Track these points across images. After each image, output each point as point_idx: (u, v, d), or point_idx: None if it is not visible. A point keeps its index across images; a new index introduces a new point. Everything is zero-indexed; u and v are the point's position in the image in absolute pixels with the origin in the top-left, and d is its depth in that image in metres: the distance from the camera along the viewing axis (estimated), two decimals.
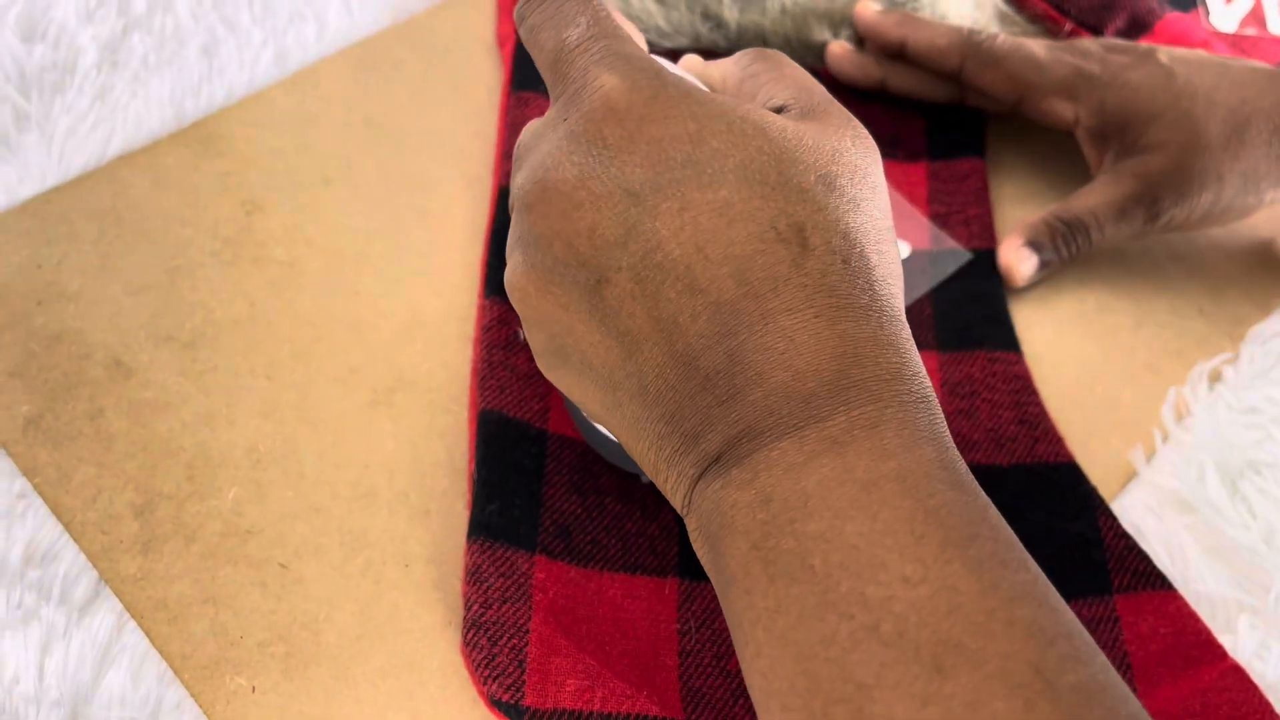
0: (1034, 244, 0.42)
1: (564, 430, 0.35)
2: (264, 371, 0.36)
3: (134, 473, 0.33)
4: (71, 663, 0.30)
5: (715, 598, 0.32)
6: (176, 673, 0.31)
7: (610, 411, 0.27)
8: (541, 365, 0.28)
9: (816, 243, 0.24)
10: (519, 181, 0.27)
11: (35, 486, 0.33)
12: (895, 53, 0.46)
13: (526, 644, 0.30)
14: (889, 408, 0.23)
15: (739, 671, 0.31)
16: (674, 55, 0.33)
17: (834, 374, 0.23)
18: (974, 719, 0.20)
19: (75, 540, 0.32)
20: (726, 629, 0.32)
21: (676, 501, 0.26)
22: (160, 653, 0.31)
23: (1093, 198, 0.42)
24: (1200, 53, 0.42)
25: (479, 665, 0.30)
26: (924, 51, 0.45)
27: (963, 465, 0.24)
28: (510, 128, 0.42)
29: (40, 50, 0.42)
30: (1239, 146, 0.40)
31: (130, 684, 0.30)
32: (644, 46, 0.33)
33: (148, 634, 0.31)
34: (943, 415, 0.25)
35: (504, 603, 0.31)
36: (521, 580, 0.31)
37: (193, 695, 0.30)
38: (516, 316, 0.37)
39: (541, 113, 0.42)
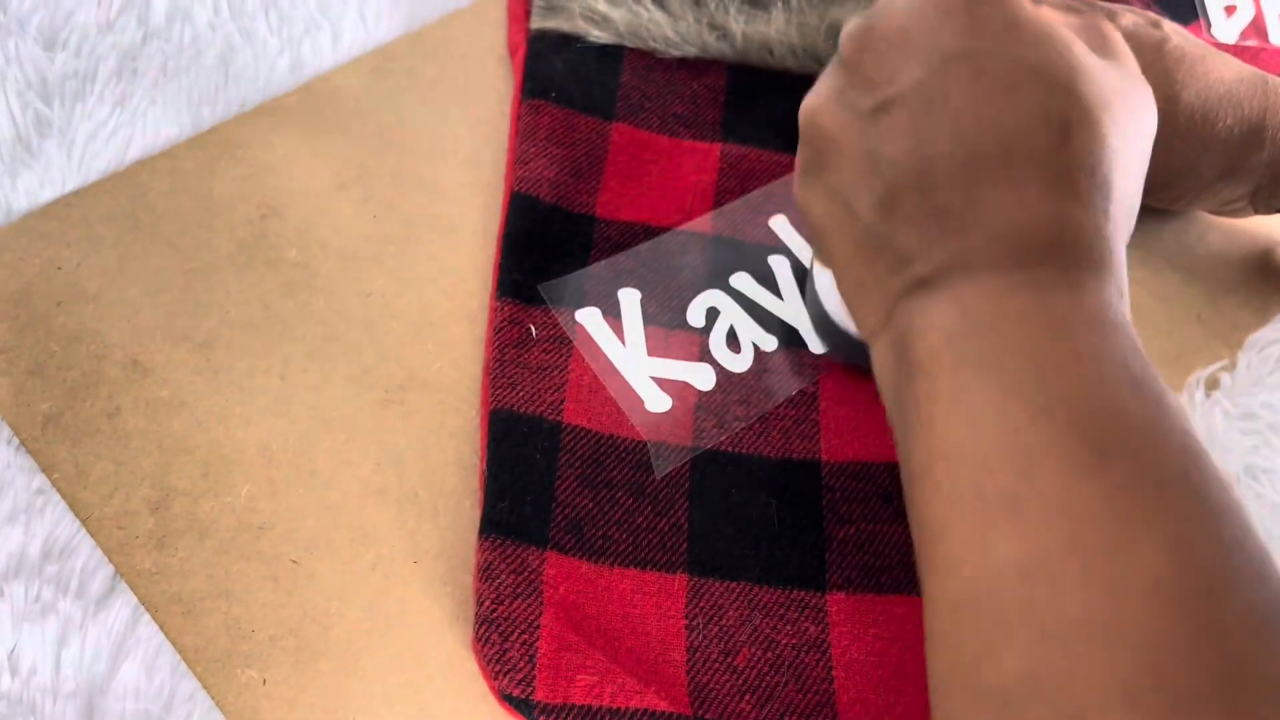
0: None
1: (578, 421, 0.36)
2: (277, 371, 0.37)
3: (150, 469, 0.34)
4: (88, 655, 0.31)
5: (723, 594, 0.33)
6: (190, 665, 0.31)
7: (843, 228, 0.29)
8: (800, 181, 0.32)
9: (1078, 142, 0.27)
10: (853, 20, 0.31)
11: (54, 482, 0.34)
12: None
13: (537, 639, 0.31)
14: (1089, 281, 0.26)
15: (745, 668, 0.32)
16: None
17: (1051, 239, 0.26)
18: (1122, 496, 0.22)
19: (92, 535, 0.33)
20: (733, 626, 0.32)
21: (872, 319, 0.29)
22: (174, 646, 0.31)
23: None
24: (1206, 42, 0.43)
25: (490, 661, 0.30)
26: None
27: (1138, 342, 0.26)
28: (522, 134, 0.43)
29: (62, 58, 0.43)
30: (1204, 125, 0.40)
31: (145, 676, 0.31)
32: None
33: (162, 627, 0.32)
34: (1130, 321, 0.27)
35: (515, 599, 0.31)
36: (532, 576, 0.32)
37: (205, 687, 0.31)
38: (529, 315, 0.38)
39: (552, 120, 0.43)
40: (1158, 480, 0.23)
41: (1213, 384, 0.41)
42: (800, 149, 0.32)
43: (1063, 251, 0.26)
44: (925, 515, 0.25)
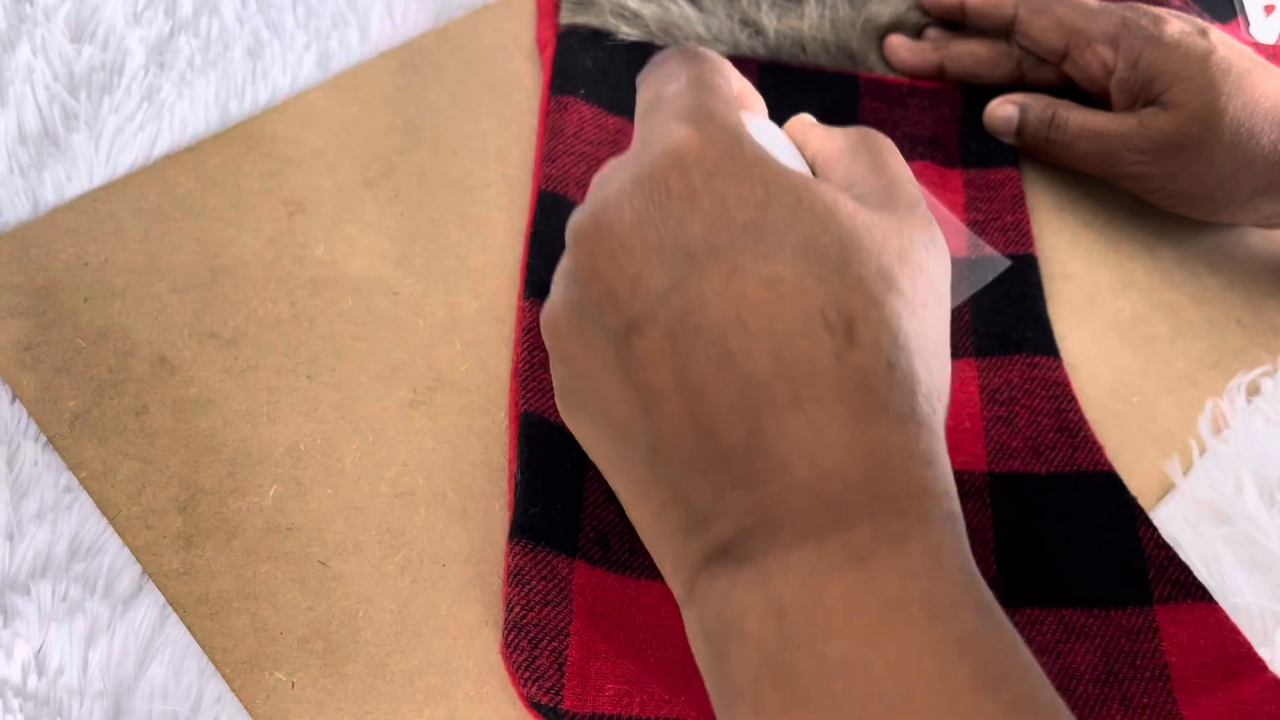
0: (1021, 105, 0.45)
1: None
2: (305, 370, 0.36)
3: (177, 468, 0.34)
4: (115, 655, 0.31)
5: None
6: (217, 667, 0.31)
7: (617, 468, 0.26)
8: (559, 403, 0.28)
9: (864, 338, 0.23)
10: (577, 215, 0.26)
11: (81, 481, 0.33)
12: (956, 19, 0.48)
13: (567, 647, 0.30)
14: (916, 524, 0.22)
15: None
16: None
17: (861, 480, 0.22)
18: None
19: (119, 534, 0.33)
20: None
21: (674, 584, 0.25)
22: (202, 647, 0.31)
23: (1089, 115, 0.43)
24: (1252, 51, 0.42)
25: (519, 667, 0.30)
26: (981, 5, 0.47)
27: (987, 590, 0.23)
28: (550, 131, 0.42)
29: (89, 51, 0.43)
30: (1248, 141, 0.39)
31: (172, 677, 0.31)
32: (763, 114, 0.33)
33: (189, 628, 0.31)
34: (966, 536, 0.23)
35: (545, 605, 0.31)
36: (562, 584, 0.31)
37: (233, 690, 0.31)
38: None
39: (580, 118, 0.43)
40: None
41: (1254, 389, 0.41)
42: (552, 367, 0.28)
43: (877, 494, 0.22)
44: None
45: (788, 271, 0.23)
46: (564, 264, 0.27)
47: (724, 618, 0.23)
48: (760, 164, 0.25)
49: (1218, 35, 0.42)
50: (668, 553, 0.25)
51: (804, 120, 0.32)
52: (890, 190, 0.27)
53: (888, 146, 0.28)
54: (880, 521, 0.22)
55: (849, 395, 0.22)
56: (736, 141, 0.25)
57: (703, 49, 0.29)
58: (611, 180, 0.26)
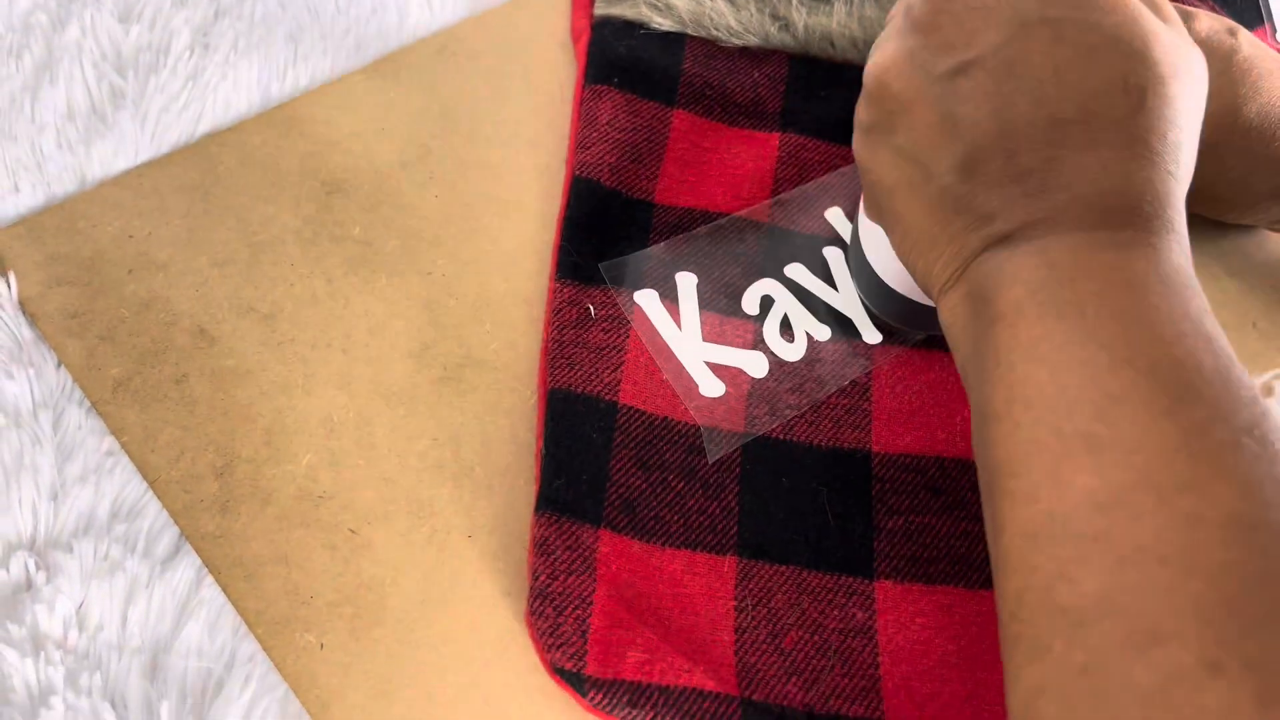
0: None
1: (634, 402, 0.36)
2: (340, 345, 0.38)
3: (215, 436, 0.35)
4: (153, 613, 0.32)
5: (772, 577, 0.33)
6: (250, 627, 0.32)
7: (914, 189, 0.30)
8: (860, 139, 0.33)
9: (1152, 106, 0.28)
10: None
11: (123, 445, 0.35)
12: None
13: (590, 615, 0.31)
14: (1165, 242, 0.27)
15: (792, 650, 0.32)
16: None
17: (1131, 202, 0.27)
18: (1197, 438, 0.23)
19: (159, 497, 0.34)
20: (781, 609, 0.33)
21: (944, 275, 0.30)
22: (236, 608, 0.32)
23: None
24: (1278, 54, 0.42)
25: (543, 634, 0.31)
26: None
27: (1207, 306, 0.27)
28: (584, 119, 0.43)
29: (136, 31, 0.44)
30: (1260, 142, 0.40)
31: (207, 636, 0.32)
32: None
33: (224, 589, 0.32)
34: (1194, 275, 0.28)
35: (570, 574, 0.32)
36: (587, 554, 0.32)
37: (265, 649, 0.32)
38: (587, 297, 0.38)
39: (614, 106, 0.44)
40: (1230, 426, 0.24)
41: (1268, 391, 0.41)
42: (864, 108, 0.32)
43: (1141, 214, 0.27)
44: (1001, 454, 0.26)
45: (1103, 45, 0.28)
46: (899, 22, 0.32)
47: (997, 275, 0.28)
48: None
49: (1245, 36, 0.42)
50: (945, 248, 0.30)
51: None
52: (1176, 24, 0.31)
53: (1167, 5, 0.32)
54: (1139, 233, 0.27)
55: (1132, 146, 0.28)
56: None
57: None
58: None
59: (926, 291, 0.31)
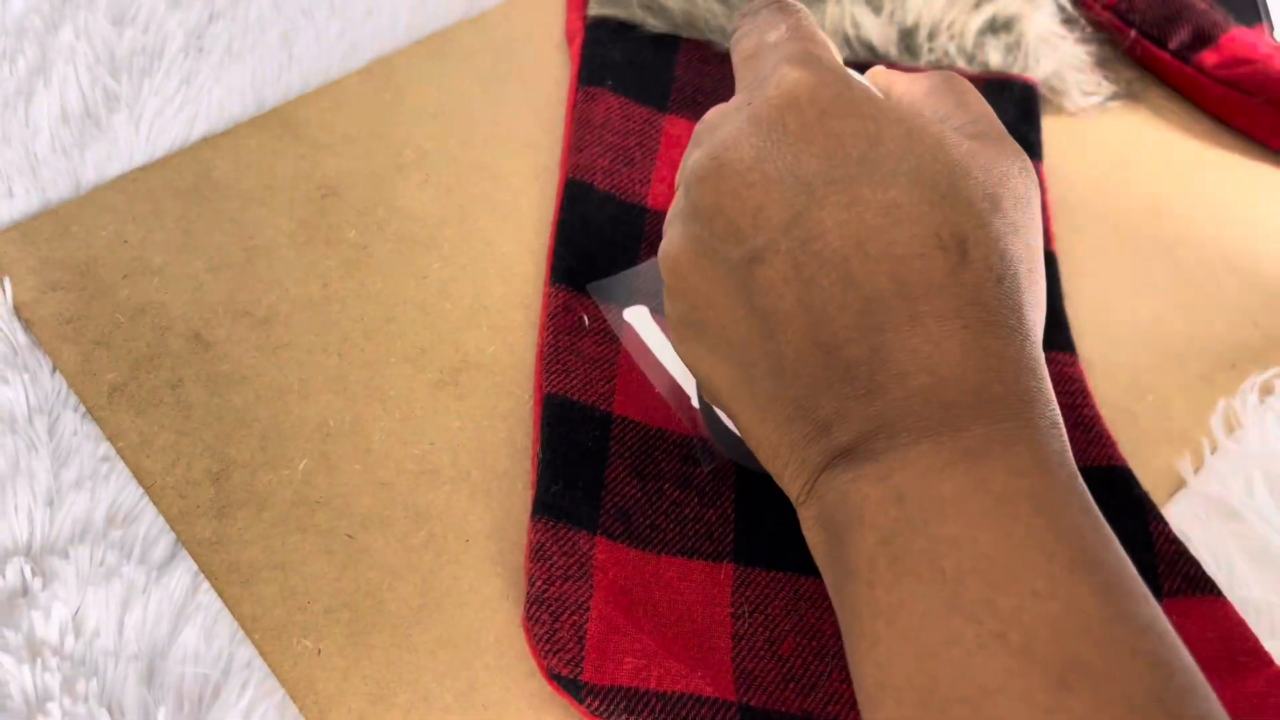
0: None
1: (628, 413, 0.36)
2: (335, 349, 0.37)
3: (211, 441, 0.35)
4: (149, 619, 0.32)
5: (769, 584, 0.33)
6: (247, 633, 0.32)
7: (738, 390, 0.27)
8: (676, 336, 0.30)
9: (976, 257, 0.24)
10: (694, 157, 0.28)
11: (118, 450, 0.34)
12: None
13: (587, 621, 0.31)
14: (1025, 428, 0.24)
15: (790, 656, 0.32)
16: (859, 68, 0.33)
17: (975, 386, 0.24)
18: None
19: (155, 503, 0.34)
20: (778, 615, 0.33)
21: (794, 488, 0.27)
22: (232, 613, 0.32)
23: None
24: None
25: (540, 640, 0.31)
26: None
27: (1087, 493, 0.24)
28: (578, 121, 0.43)
29: (130, 34, 0.44)
30: None
31: (204, 642, 0.32)
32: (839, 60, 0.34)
33: (221, 595, 0.32)
34: (1068, 442, 0.25)
35: (566, 580, 0.32)
36: (583, 559, 0.32)
37: (262, 655, 0.32)
38: (582, 304, 0.38)
39: (608, 108, 0.43)
40: (1125, 707, 0.20)
41: (1267, 389, 0.41)
42: (669, 303, 0.29)
43: (990, 399, 0.24)
44: None
45: (903, 198, 0.24)
46: (677, 207, 0.28)
47: (845, 507, 0.25)
48: (869, 102, 0.26)
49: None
50: (789, 460, 0.27)
51: (882, 69, 0.33)
52: (978, 124, 0.28)
53: (967, 86, 0.30)
54: (992, 424, 0.24)
55: (963, 310, 0.24)
56: (845, 82, 0.27)
57: (792, 0, 0.31)
58: (725, 124, 0.28)
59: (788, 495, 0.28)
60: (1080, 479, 0.24)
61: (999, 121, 0.29)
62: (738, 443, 0.35)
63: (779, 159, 0.26)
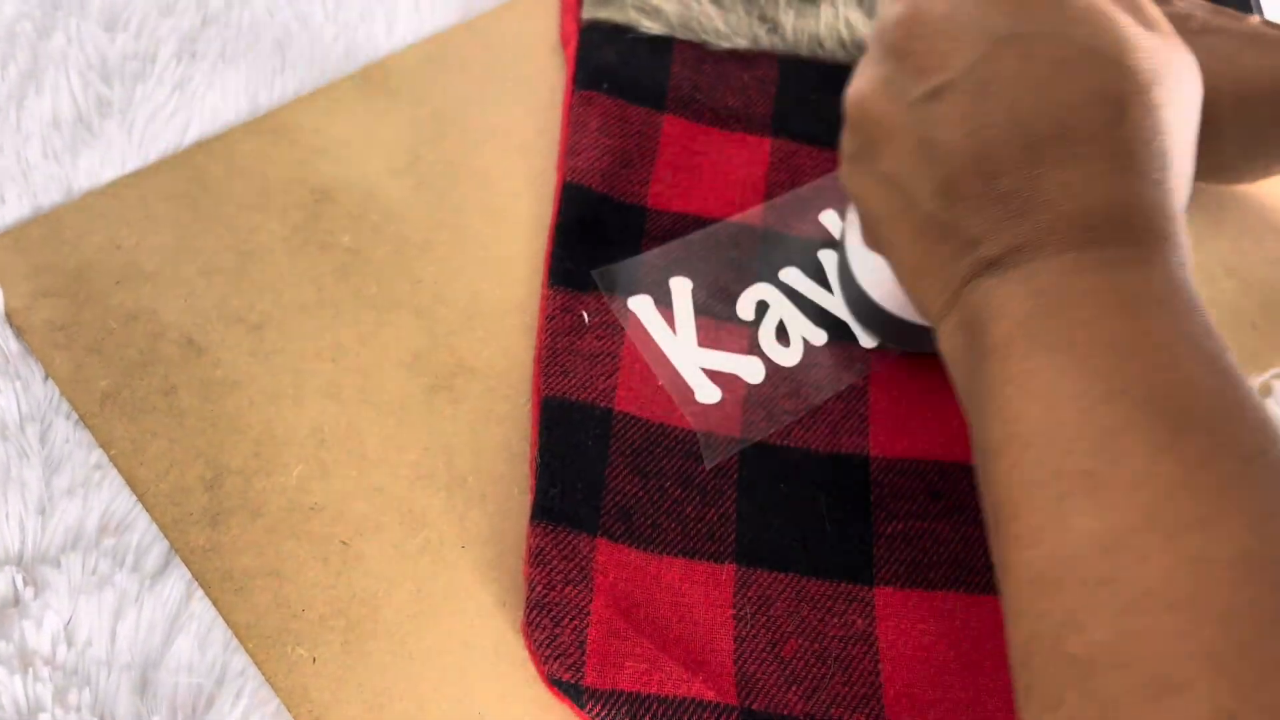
0: None
1: (629, 409, 0.36)
2: (329, 354, 0.37)
3: (204, 448, 0.35)
4: (143, 628, 0.32)
5: (771, 585, 0.33)
6: (241, 641, 0.32)
7: (898, 217, 0.30)
8: (846, 169, 0.32)
9: (1133, 117, 0.27)
10: (894, 9, 0.31)
11: (111, 458, 0.34)
12: None
13: (588, 625, 0.31)
14: (1157, 255, 0.26)
15: (792, 658, 0.32)
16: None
17: (1118, 218, 0.27)
18: (1201, 471, 0.23)
19: (148, 511, 0.33)
20: (780, 616, 0.32)
21: (937, 303, 0.30)
22: (226, 622, 0.32)
23: None
24: (1227, 24, 0.42)
25: (540, 645, 0.30)
26: None
27: (1210, 320, 0.26)
28: (573, 125, 0.43)
29: (122, 40, 0.44)
30: (1245, 112, 0.40)
31: (197, 651, 0.31)
32: None
33: (215, 603, 0.32)
34: (1194, 282, 0.27)
35: (566, 584, 0.31)
36: (583, 563, 0.32)
37: (256, 663, 0.31)
38: (581, 303, 0.38)
39: (604, 111, 0.43)
40: (1235, 455, 0.23)
41: (1266, 391, 0.41)
42: (847, 136, 0.32)
43: (1129, 228, 0.27)
44: (1001, 493, 0.26)
45: (1076, 57, 0.28)
46: (870, 53, 0.31)
47: (987, 306, 0.27)
48: None
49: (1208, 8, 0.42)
50: (936, 275, 0.29)
51: None
52: (1153, 25, 0.30)
53: (1150, 4, 0.32)
54: (1130, 248, 0.26)
55: (1114, 158, 0.27)
56: None
57: None
58: None
59: (928, 320, 0.31)
60: (1203, 308, 0.26)
61: (1175, 34, 0.31)
62: (877, 316, 0.37)
63: (970, 10, 0.29)
